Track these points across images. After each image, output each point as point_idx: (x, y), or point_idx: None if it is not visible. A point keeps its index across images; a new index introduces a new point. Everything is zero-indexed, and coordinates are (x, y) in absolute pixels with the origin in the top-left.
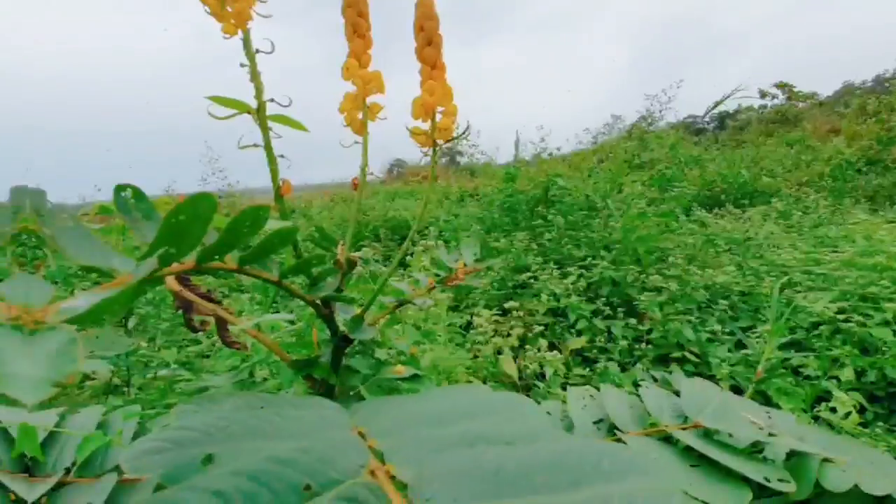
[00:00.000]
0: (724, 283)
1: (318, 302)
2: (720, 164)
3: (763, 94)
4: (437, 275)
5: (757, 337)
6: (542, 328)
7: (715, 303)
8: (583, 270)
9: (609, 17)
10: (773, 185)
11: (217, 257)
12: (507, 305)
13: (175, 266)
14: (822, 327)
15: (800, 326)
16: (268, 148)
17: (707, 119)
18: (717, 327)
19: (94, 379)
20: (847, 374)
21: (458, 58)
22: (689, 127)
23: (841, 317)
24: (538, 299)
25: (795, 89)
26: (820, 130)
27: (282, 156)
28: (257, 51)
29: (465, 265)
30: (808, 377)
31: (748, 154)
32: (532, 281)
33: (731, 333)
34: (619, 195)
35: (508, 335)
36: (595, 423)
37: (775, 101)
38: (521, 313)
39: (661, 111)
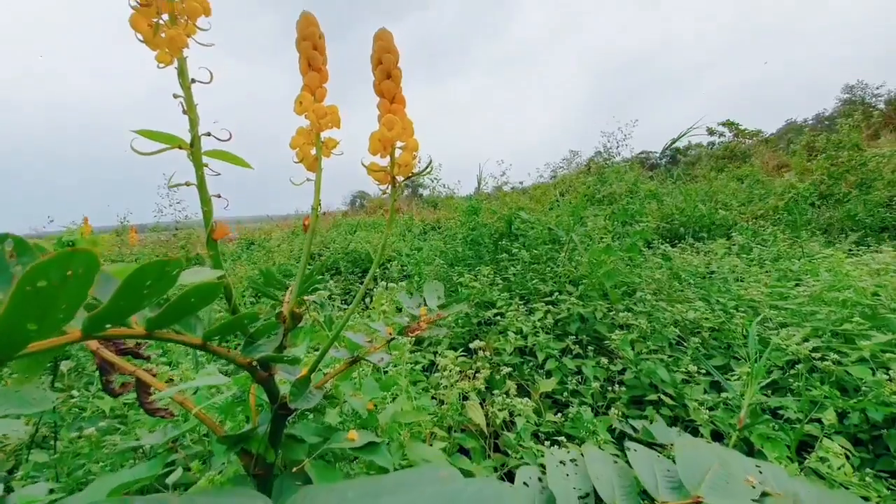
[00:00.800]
0: (694, 320)
1: (255, 364)
2: (676, 197)
3: (711, 132)
4: (400, 321)
5: (735, 378)
6: (509, 370)
7: (686, 340)
8: (549, 307)
9: (564, 60)
10: (730, 217)
11: (111, 324)
12: (473, 345)
13: (44, 342)
14: (798, 366)
15: (775, 365)
16: (201, 187)
17: (659, 154)
18: (693, 368)
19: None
20: (829, 416)
21: (421, 94)
22: (643, 162)
23: (816, 355)
24: (505, 337)
25: (741, 127)
26: (768, 166)
27: (217, 195)
28: (193, 81)
29: (427, 311)
30: (788, 420)
31: (702, 188)
32: (498, 318)
33: (706, 373)
34: (581, 228)
35: (475, 376)
36: (581, 497)
37: (723, 138)
38: (488, 353)
39: (617, 147)
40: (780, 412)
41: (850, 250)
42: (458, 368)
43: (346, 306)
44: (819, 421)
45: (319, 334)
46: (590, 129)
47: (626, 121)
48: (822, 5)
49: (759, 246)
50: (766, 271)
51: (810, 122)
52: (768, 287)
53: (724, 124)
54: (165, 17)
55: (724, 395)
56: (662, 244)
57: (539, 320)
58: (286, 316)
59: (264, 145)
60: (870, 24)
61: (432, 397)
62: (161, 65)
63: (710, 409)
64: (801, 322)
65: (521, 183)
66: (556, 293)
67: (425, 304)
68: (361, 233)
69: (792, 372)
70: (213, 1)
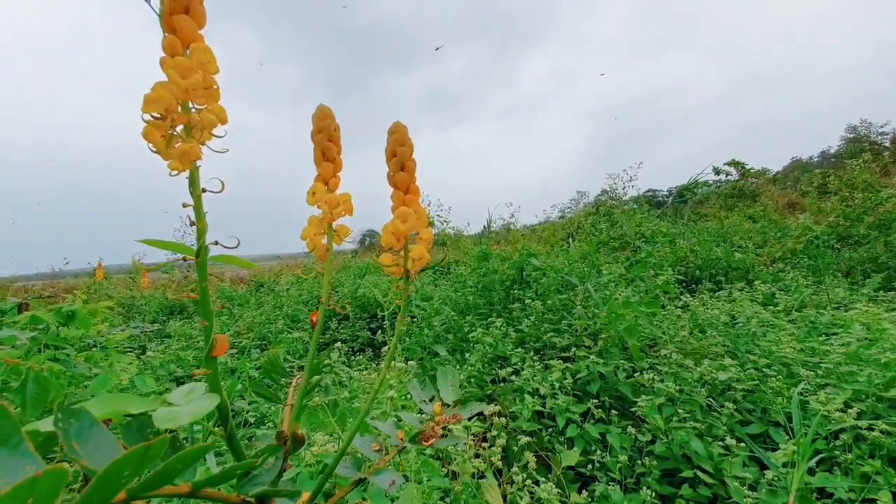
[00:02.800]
0: (726, 381)
1: (251, 500)
2: (689, 239)
3: (717, 171)
4: (411, 422)
5: (775, 450)
6: (528, 438)
7: (717, 400)
8: (567, 364)
9: (569, 103)
10: (747, 260)
11: None
12: (487, 411)
13: None
14: (842, 436)
15: (817, 434)
16: (203, 299)
17: (666, 192)
18: (730, 441)
19: None
20: (884, 497)
21: (431, 139)
22: (650, 200)
23: (863, 424)
24: (521, 399)
25: (748, 167)
26: (778, 204)
27: (222, 308)
28: (204, 190)
29: (442, 407)
30: (839, 501)
31: (713, 228)
32: (513, 376)
33: (741, 441)
34: (597, 277)
35: (491, 446)
36: None
37: (729, 177)
38: (504, 420)
39: (623, 188)
40: (828, 489)
41: (875, 295)
42: (471, 440)
43: (353, 356)
44: (873, 502)
45: (326, 421)
46: (595, 170)
47: (631, 163)
48: (820, 50)
49: (781, 292)
50: (792, 320)
51: (816, 159)
52: (799, 341)
53: (729, 164)
54: (180, 127)
55: (766, 473)
56: (681, 291)
57: (557, 380)
58: (287, 436)
59: (278, 185)
60: (868, 65)
61: (444, 475)
62: (173, 173)
63: (752, 487)
64: (839, 383)
65: (528, 226)
66: (573, 347)
67: (439, 398)
68: (370, 277)
69: (837, 443)
70: (236, 56)
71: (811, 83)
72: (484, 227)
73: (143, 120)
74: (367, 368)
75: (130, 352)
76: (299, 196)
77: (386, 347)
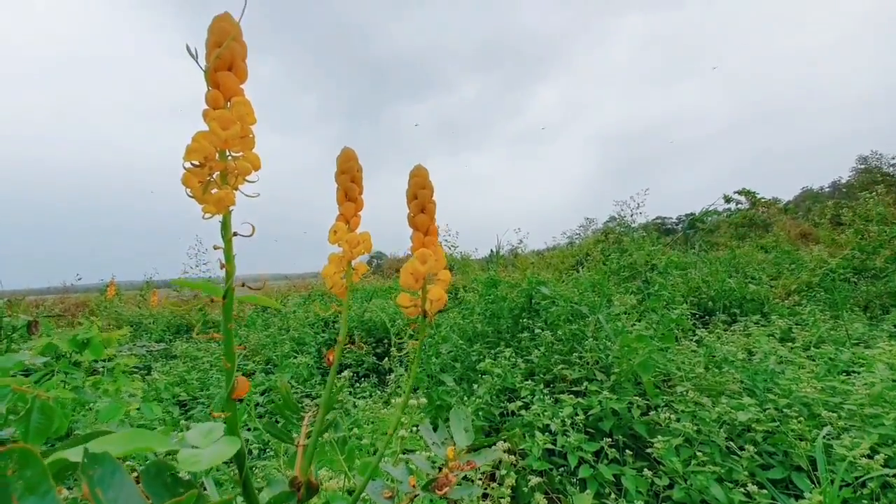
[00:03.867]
0: (745, 422)
1: None
2: (701, 269)
3: (727, 199)
4: (423, 467)
5: (798, 497)
6: (538, 479)
7: (738, 446)
8: (579, 399)
9: (579, 131)
10: (761, 292)
11: None
12: (497, 450)
13: None
14: (870, 483)
15: (843, 481)
16: (227, 342)
17: (676, 220)
18: (752, 487)
19: None
20: None
21: (443, 164)
22: (659, 227)
23: (889, 471)
24: (530, 435)
25: (758, 196)
26: (791, 235)
27: (243, 349)
28: (235, 234)
29: (456, 451)
30: None
31: (725, 258)
32: (522, 410)
33: (763, 487)
34: (608, 308)
35: (499, 484)
36: None
37: (740, 206)
38: (513, 458)
39: (631, 215)
40: None
41: (894, 331)
42: (479, 475)
43: (357, 383)
44: None
45: (334, 459)
46: (604, 197)
47: (638, 190)
48: (830, 81)
49: (798, 326)
50: (811, 356)
51: (827, 189)
52: (819, 380)
53: (740, 192)
54: (216, 173)
55: None
56: (695, 324)
57: (568, 415)
58: (301, 482)
59: (290, 207)
60: (878, 97)
61: None
62: (206, 216)
63: None
64: (863, 426)
65: (537, 251)
66: (585, 381)
67: (452, 441)
68: (377, 300)
69: (864, 491)
70: (260, 86)
71: (821, 113)
72: (492, 251)
73: (183, 167)
74: (371, 395)
75: (136, 372)
76: (310, 216)
77: (392, 375)
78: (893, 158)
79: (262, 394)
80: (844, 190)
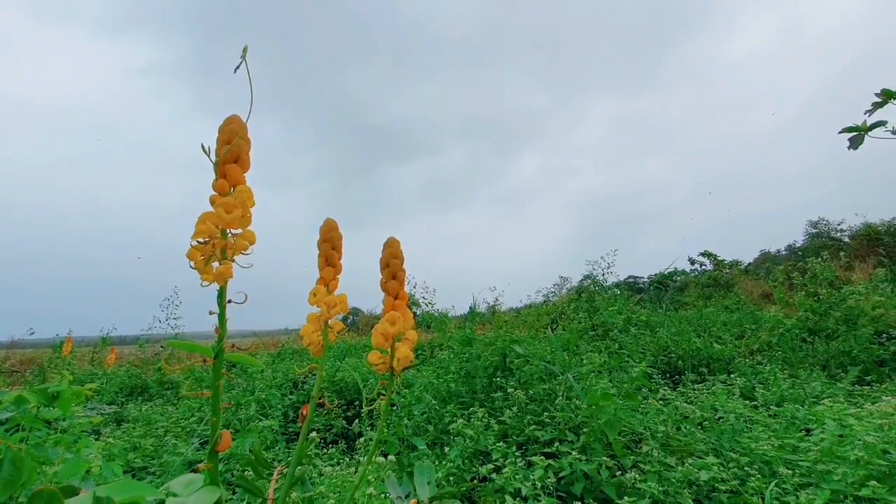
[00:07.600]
0: (709, 481)
1: None
2: (670, 328)
3: (692, 262)
4: None
5: None
6: None
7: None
8: (550, 461)
9: (554, 197)
10: (726, 352)
11: None
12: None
13: None
14: None
15: None
16: (215, 398)
17: (647, 279)
18: None
19: None
20: None
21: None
22: (631, 287)
23: None
24: (501, 500)
25: (720, 258)
26: (752, 295)
27: (230, 406)
28: (230, 301)
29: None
30: None
31: (693, 317)
32: (493, 474)
33: None
34: (577, 367)
35: None
36: None
37: (704, 267)
38: None
39: (603, 274)
40: None
41: (852, 389)
42: None
43: (325, 448)
44: None
45: None
46: (579, 256)
47: (608, 250)
48: (784, 154)
49: (760, 385)
50: (773, 415)
51: (783, 252)
52: (779, 438)
53: (703, 255)
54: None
55: None
56: (663, 382)
57: (539, 478)
58: None
59: (286, 261)
60: (824, 168)
61: None
62: (204, 284)
63: None
64: (818, 482)
65: (513, 308)
66: (556, 442)
67: (415, 495)
68: (350, 359)
69: None
70: (260, 144)
71: (776, 182)
72: (470, 308)
73: (191, 244)
74: (339, 463)
75: (88, 434)
76: (279, 272)
77: (361, 439)
78: (839, 224)
79: (223, 461)
80: (800, 253)
